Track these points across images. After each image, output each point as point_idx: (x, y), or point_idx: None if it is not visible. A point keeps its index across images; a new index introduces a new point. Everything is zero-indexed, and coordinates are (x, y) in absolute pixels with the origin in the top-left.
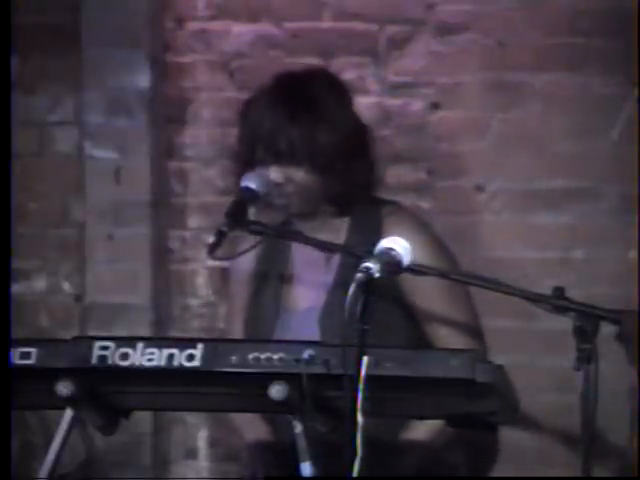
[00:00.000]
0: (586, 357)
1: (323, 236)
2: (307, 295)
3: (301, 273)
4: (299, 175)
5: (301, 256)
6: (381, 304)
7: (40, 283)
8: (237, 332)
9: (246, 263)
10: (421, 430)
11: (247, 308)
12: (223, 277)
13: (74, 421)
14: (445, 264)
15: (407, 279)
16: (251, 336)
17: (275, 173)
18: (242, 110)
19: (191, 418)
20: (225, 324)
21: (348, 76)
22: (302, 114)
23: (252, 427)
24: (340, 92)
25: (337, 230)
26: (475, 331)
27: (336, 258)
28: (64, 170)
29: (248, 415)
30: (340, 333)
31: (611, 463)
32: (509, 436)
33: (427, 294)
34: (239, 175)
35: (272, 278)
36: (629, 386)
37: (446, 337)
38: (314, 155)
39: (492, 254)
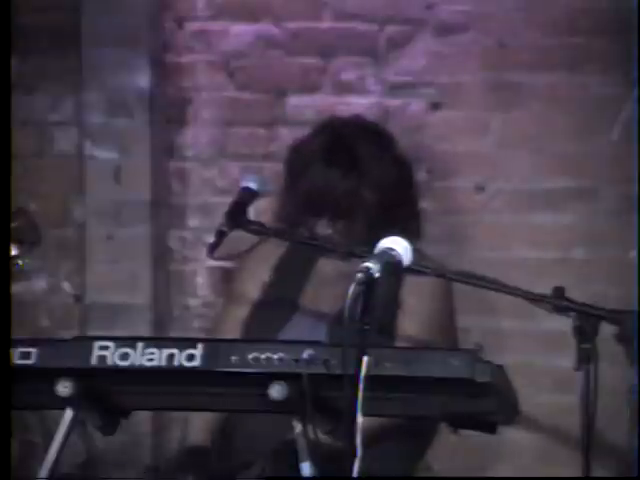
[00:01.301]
0: (586, 357)
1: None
2: (328, 299)
3: (327, 276)
4: (346, 227)
5: (328, 261)
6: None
7: (40, 283)
8: (242, 312)
9: (254, 289)
10: None
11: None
12: (223, 277)
13: (74, 421)
14: (449, 336)
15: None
16: (255, 324)
17: (323, 227)
18: (289, 159)
19: None
20: (231, 301)
21: (348, 76)
22: (347, 175)
23: (201, 434)
24: (382, 145)
25: None
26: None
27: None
28: (64, 170)
29: (202, 422)
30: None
31: (611, 463)
32: (509, 436)
33: (417, 293)
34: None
35: (291, 278)
36: (629, 386)
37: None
38: (359, 211)
39: (492, 254)
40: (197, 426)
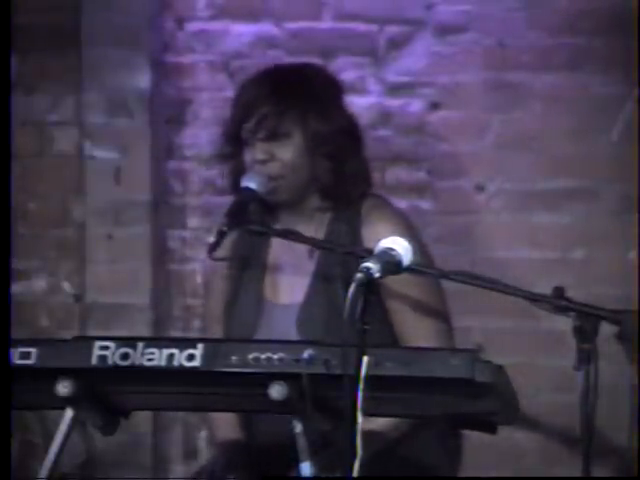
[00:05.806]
0: (586, 357)
1: (308, 230)
2: (288, 290)
3: (284, 266)
4: (287, 152)
5: (282, 249)
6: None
7: (40, 283)
8: (217, 331)
9: (224, 256)
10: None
11: (227, 302)
12: None
13: (74, 421)
14: (424, 258)
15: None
16: (232, 329)
17: (260, 150)
18: (236, 93)
19: (191, 418)
20: (205, 321)
21: (348, 76)
22: (294, 94)
23: (225, 428)
24: (334, 87)
25: (320, 223)
26: (445, 330)
27: (317, 253)
28: (64, 170)
29: (224, 416)
30: (319, 331)
31: (611, 463)
32: (509, 436)
33: (399, 292)
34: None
35: (252, 270)
36: (629, 386)
37: (414, 335)
38: (304, 133)
39: (492, 254)
40: (225, 420)
